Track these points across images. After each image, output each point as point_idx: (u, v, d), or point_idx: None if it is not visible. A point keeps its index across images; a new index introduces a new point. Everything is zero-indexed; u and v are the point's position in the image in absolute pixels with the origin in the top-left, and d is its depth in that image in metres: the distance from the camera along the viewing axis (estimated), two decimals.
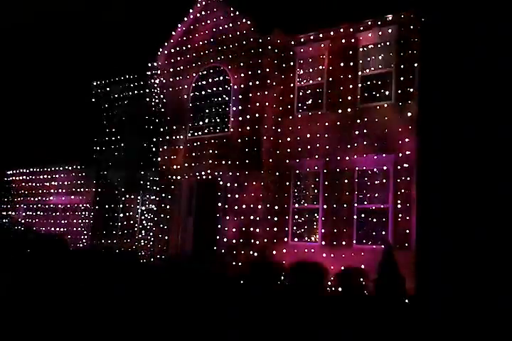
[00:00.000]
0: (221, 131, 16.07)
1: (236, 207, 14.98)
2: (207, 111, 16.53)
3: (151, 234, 17.37)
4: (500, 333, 8.11)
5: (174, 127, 17.04)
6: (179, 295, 11.29)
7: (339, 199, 13.90)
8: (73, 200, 21.47)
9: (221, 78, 16.30)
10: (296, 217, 14.74)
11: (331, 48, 14.75)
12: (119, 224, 18.91)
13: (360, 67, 14.23)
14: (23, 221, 23.58)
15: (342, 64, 14.44)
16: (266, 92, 15.20)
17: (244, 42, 15.71)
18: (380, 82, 13.88)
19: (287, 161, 14.98)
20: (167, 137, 17.16)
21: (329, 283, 12.67)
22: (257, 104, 15.18)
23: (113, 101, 20.15)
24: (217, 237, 15.26)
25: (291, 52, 15.43)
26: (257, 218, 14.58)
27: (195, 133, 16.69)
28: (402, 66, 13.48)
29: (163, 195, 16.89)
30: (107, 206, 19.49)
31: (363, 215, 13.61)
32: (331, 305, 10.59)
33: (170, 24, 17.71)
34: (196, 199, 16.52)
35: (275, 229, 14.77)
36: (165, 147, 17.17)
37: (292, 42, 15.35)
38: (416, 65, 13.06)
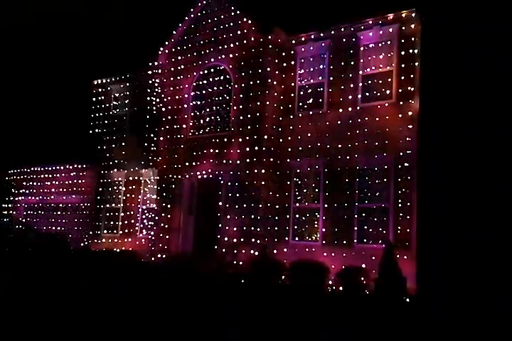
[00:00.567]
0: (222, 130, 16.07)
1: (237, 206, 14.98)
2: (207, 110, 16.53)
3: (152, 233, 17.36)
4: (499, 333, 8.11)
5: (175, 126, 17.04)
6: (179, 295, 11.29)
7: (340, 198, 13.90)
8: (74, 199, 21.46)
9: (222, 77, 16.30)
10: (297, 216, 14.74)
11: (331, 47, 14.75)
12: (120, 223, 18.91)
13: (361, 66, 14.23)
14: (23, 220, 23.58)
15: (343, 63, 14.44)
16: (266, 91, 15.19)
17: (245, 42, 15.71)
18: (380, 81, 13.87)
19: (288, 160, 14.98)
20: (168, 136, 17.16)
21: (330, 283, 12.66)
22: (258, 103, 15.18)
23: (113, 100, 20.15)
24: (218, 236, 15.26)
25: (292, 52, 15.42)
26: (258, 217, 14.58)
27: (196, 133, 16.69)
28: (402, 65, 13.47)
29: (164, 194, 16.89)
30: (107, 205, 19.49)
31: (363, 214, 13.60)
32: (331, 305, 10.59)
33: (171, 23, 17.72)
34: (197, 199, 16.52)
35: (276, 228, 14.78)
36: (166, 146, 17.17)
37: (293, 42, 15.35)
38: (417, 64, 13.06)
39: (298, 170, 14.93)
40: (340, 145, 14.08)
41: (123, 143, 19.37)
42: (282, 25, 15.34)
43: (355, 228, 13.58)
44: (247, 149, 15.15)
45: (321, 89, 14.89)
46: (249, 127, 15.24)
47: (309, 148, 14.62)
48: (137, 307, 9.76)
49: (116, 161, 19.42)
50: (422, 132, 11.00)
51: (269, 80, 15.27)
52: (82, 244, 19.99)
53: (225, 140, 15.74)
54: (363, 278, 12.15)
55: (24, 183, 24.20)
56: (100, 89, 20.60)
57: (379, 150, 13.46)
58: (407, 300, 10.68)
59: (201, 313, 9.28)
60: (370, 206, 13.54)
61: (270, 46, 15.36)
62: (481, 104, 10.19)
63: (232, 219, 15.02)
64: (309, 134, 14.65)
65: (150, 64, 18.26)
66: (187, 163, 16.52)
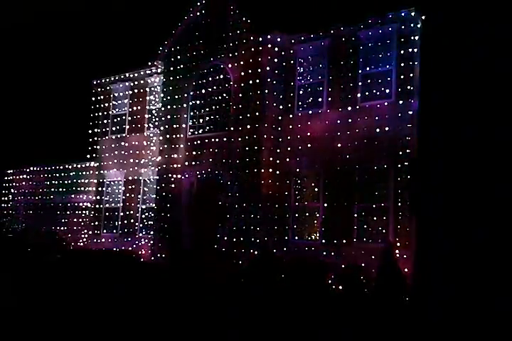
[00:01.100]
0: (221, 129, 16.05)
1: (236, 206, 14.97)
2: (207, 109, 16.53)
3: (152, 232, 17.36)
4: (500, 333, 8.09)
5: (174, 126, 17.03)
6: (179, 295, 11.28)
7: (339, 197, 13.88)
8: (73, 199, 21.46)
9: (221, 77, 16.29)
10: (297, 215, 14.72)
11: (331, 46, 14.74)
12: (119, 222, 18.90)
13: (361, 66, 14.21)
14: (23, 220, 23.57)
15: (342, 62, 14.43)
16: (266, 91, 15.18)
17: (244, 41, 15.70)
18: (380, 81, 13.87)
19: (287, 160, 14.97)
20: (167, 136, 17.16)
21: (330, 282, 12.66)
22: (258, 103, 15.17)
23: (113, 99, 20.14)
24: (218, 236, 15.26)
25: (292, 51, 15.41)
26: (258, 216, 14.57)
27: (196, 132, 16.68)
28: (402, 64, 13.46)
29: (163, 193, 16.88)
30: (107, 205, 19.49)
31: (363, 214, 13.60)
32: (331, 304, 10.59)
33: (170, 23, 17.72)
34: (196, 198, 16.51)
35: (276, 227, 14.76)
36: (165, 146, 17.16)
37: (292, 41, 15.34)
38: (416, 63, 13.06)
39: (297, 170, 14.92)
40: (339, 145, 14.06)
41: (122, 143, 19.36)
42: (282, 25, 15.32)
43: (355, 227, 13.57)
44: (247, 149, 15.14)
45: (321, 88, 14.88)
46: (248, 126, 15.23)
47: (309, 148, 14.61)
48: (137, 307, 9.75)
49: (115, 161, 19.42)
50: (421, 133, 10.98)
51: (269, 80, 15.26)
52: (81, 244, 19.99)
53: (225, 139, 15.73)
54: (362, 278, 12.15)
55: (24, 183, 24.20)
56: (100, 89, 20.60)
57: (378, 149, 13.45)
58: (407, 299, 10.68)
59: (201, 313, 9.27)
60: (369, 205, 13.53)
61: (269, 45, 15.35)
62: (481, 104, 10.17)
63: (232, 218, 15.01)
64: (309, 133, 14.64)
65: (149, 63, 18.25)
66: (186, 163, 16.52)
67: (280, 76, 15.48)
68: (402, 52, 13.50)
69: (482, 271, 9.48)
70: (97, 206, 19.73)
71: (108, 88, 20.30)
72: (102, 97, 20.53)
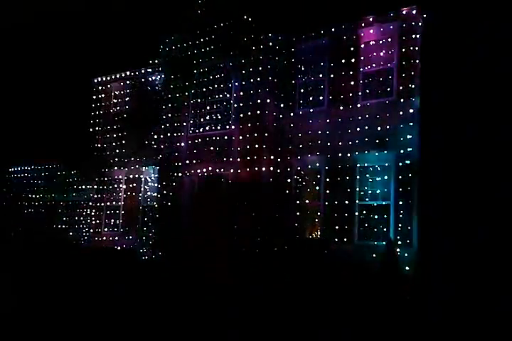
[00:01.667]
0: (222, 128, 16.04)
1: (237, 204, 14.96)
2: (208, 108, 16.52)
3: (153, 231, 17.36)
4: (500, 332, 8.09)
5: (175, 124, 17.03)
6: (179, 295, 11.27)
7: (341, 195, 13.88)
8: (74, 197, 21.46)
9: (222, 75, 16.27)
10: (298, 213, 14.71)
11: (332, 44, 14.72)
12: (120, 221, 18.90)
13: (362, 64, 14.20)
14: (24, 218, 23.57)
15: (343, 60, 14.42)
16: (267, 89, 15.16)
17: (245, 39, 15.67)
18: (381, 79, 13.85)
19: (288, 158, 14.96)
20: (168, 134, 17.15)
21: (331, 280, 12.64)
22: (258, 101, 15.16)
23: (114, 98, 20.13)
24: (219, 234, 15.24)
25: (292, 49, 15.39)
26: (259, 215, 14.56)
27: (197, 130, 16.67)
28: (403, 62, 13.44)
29: (164, 192, 16.88)
30: (108, 203, 19.49)
31: (364, 212, 13.59)
32: (331, 303, 10.58)
33: (171, 21, 17.71)
34: (197, 197, 16.51)
35: (276, 226, 14.74)
36: (166, 144, 17.15)
37: (293, 39, 15.31)
38: (417, 61, 13.04)
39: (299, 168, 14.92)
40: (340, 143, 14.06)
41: (123, 141, 19.36)
42: (283, 22, 15.31)
43: (356, 225, 13.56)
44: (248, 147, 15.13)
45: (322, 86, 14.87)
46: (249, 125, 15.22)
47: (310, 146, 14.60)
48: (137, 306, 9.75)
49: (116, 159, 19.41)
50: (423, 133, 10.99)
51: (269, 78, 15.24)
52: (82, 242, 19.99)
53: (226, 138, 15.73)
54: (363, 276, 12.14)
55: (25, 181, 24.20)
56: (101, 87, 20.58)
57: (380, 147, 13.44)
58: (408, 297, 10.68)
59: (201, 313, 9.27)
60: (370, 203, 13.53)
61: (270, 43, 15.33)
62: (481, 104, 10.16)
63: (232, 217, 15.00)
64: (310, 132, 14.64)
65: (150, 62, 18.24)
66: (187, 161, 16.51)
67: (281, 74, 15.47)
68: (403, 50, 13.49)
69: (482, 270, 9.48)
70: (98, 204, 19.73)
71: (109, 86, 20.28)
72: (102, 95, 20.51)
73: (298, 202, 14.75)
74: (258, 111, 15.13)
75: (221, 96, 16.23)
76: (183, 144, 16.74)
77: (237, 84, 15.79)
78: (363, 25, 14.17)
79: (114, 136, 19.80)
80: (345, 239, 13.55)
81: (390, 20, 13.75)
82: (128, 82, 19.60)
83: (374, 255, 12.44)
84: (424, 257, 10.62)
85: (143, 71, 19.04)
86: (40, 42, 31.70)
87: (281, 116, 15.32)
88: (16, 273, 13.96)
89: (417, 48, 13.17)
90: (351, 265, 12.46)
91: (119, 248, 17.41)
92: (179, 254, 15.51)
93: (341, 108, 14.23)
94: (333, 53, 14.69)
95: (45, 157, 23.65)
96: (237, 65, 15.83)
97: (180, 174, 16.61)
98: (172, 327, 8.19)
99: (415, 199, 12.57)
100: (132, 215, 18.56)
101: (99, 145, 20.24)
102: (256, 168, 14.86)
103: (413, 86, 13.14)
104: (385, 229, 13.12)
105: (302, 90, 15.23)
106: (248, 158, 15.05)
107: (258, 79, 15.26)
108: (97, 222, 19.61)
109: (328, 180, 14.23)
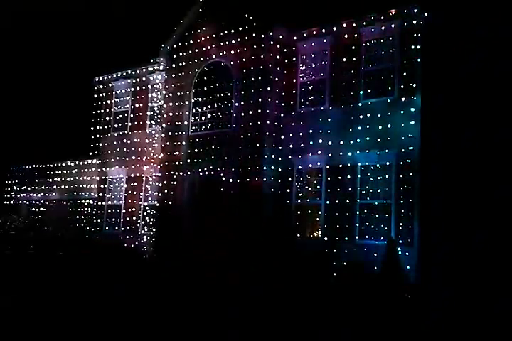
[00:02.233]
0: (223, 127, 16.03)
1: (238, 204, 14.95)
2: (209, 106, 16.51)
3: (154, 229, 17.37)
4: (500, 333, 8.08)
5: (176, 123, 17.02)
6: (180, 294, 11.27)
7: (342, 195, 13.86)
8: (76, 196, 21.48)
9: (223, 74, 16.26)
10: (299, 212, 14.71)
11: (333, 43, 14.70)
12: (122, 220, 18.92)
13: (363, 63, 14.17)
14: (25, 217, 23.60)
15: (344, 59, 14.39)
16: (268, 88, 15.15)
17: (246, 38, 15.66)
18: (382, 78, 13.83)
19: (289, 157, 14.95)
20: (169, 133, 17.14)
21: (331, 279, 12.64)
22: (260, 100, 15.14)
23: (115, 96, 20.14)
24: (220, 233, 15.22)
25: (294, 48, 15.37)
26: (260, 214, 14.55)
27: (198, 129, 16.66)
28: (404, 61, 13.42)
29: (165, 191, 16.88)
30: (109, 202, 19.50)
31: (365, 211, 13.58)
32: (332, 302, 10.57)
33: (172, 20, 17.69)
34: (199, 195, 16.50)
35: (277, 225, 14.73)
36: (167, 143, 17.15)
37: (294, 38, 15.30)
38: (419, 60, 13.01)
39: (300, 167, 14.91)
40: (342, 142, 14.04)
41: (124, 140, 19.37)
42: (284, 21, 15.29)
43: (357, 224, 13.55)
44: (249, 146, 15.12)
45: (323, 85, 14.85)
46: (250, 124, 15.21)
47: (311, 145, 14.59)
48: (137, 306, 9.74)
49: (117, 158, 19.43)
50: (423, 134, 10.95)
51: (271, 76, 15.23)
52: (83, 241, 20.00)
53: (227, 136, 15.71)
54: (364, 275, 12.13)
55: (26, 180, 24.24)
56: (102, 86, 20.60)
57: (381, 146, 13.42)
58: (409, 296, 10.66)
59: (201, 313, 9.25)
60: (371, 202, 13.51)
61: (272, 42, 15.32)
62: (481, 107, 10.12)
63: (233, 216, 14.99)
64: (311, 131, 14.62)
65: (151, 60, 18.24)
66: (188, 160, 16.51)
67: (282, 73, 15.46)
68: (404, 49, 13.46)
69: (483, 269, 9.46)
70: (100, 203, 19.75)
71: (110, 85, 20.29)
72: (104, 94, 20.53)
73: (299, 201, 14.75)
74: (259, 110, 15.11)
75: (222, 95, 16.20)
76: (184, 143, 16.74)
77: (238, 83, 15.78)
78: (364, 23, 14.13)
79: (116, 134, 19.82)
80: (346, 238, 13.54)
81: (391, 19, 13.71)
82: (129, 81, 19.61)
83: (375, 254, 12.42)
84: (424, 256, 10.60)
85: (144, 69, 19.04)
86: (41, 42, 31.73)
87: (282, 115, 15.30)
88: (15, 272, 13.96)
89: (418, 47, 13.14)
90: (352, 264, 12.46)
91: (119, 247, 17.40)
92: (180, 253, 15.51)
93: (342, 107, 14.22)
94: (335, 52, 14.66)
95: (46, 155, 23.68)
96: (238, 64, 15.81)
97: (181, 173, 16.61)
98: (172, 327, 8.18)
99: (416, 198, 12.55)
100: (133, 214, 18.58)
101: (100, 144, 20.25)
102: (257, 167, 14.84)
103: (414, 85, 13.11)
104: (386, 228, 13.10)
105: (303, 89, 15.21)
106: (249, 157, 15.03)
107: (259, 77, 15.24)
108: (99, 220, 19.63)
109: (329, 179, 14.21)
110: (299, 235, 14.55)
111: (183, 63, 17.22)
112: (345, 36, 14.43)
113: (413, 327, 8.40)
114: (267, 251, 13.81)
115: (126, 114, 19.71)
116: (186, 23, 17.25)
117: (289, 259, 13.27)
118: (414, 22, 13.26)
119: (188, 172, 16.49)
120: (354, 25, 14.26)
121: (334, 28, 14.60)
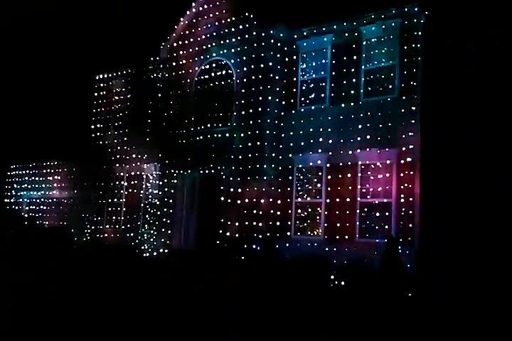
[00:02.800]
0: (224, 125, 16.02)
1: (239, 202, 14.96)
2: (209, 105, 16.49)
3: (154, 228, 17.37)
4: (500, 333, 8.08)
5: (176, 121, 17.01)
6: (179, 294, 11.26)
7: (342, 193, 13.85)
8: (76, 194, 21.48)
9: (223, 72, 16.25)
10: (299, 211, 14.71)
11: (334, 42, 14.68)
12: (122, 218, 18.92)
13: (364, 61, 14.16)
14: (26, 215, 23.62)
15: (345, 58, 14.37)
16: (268, 86, 15.14)
17: (246, 36, 15.64)
18: (383, 76, 13.81)
19: (290, 155, 14.94)
20: (169, 131, 17.13)
21: (332, 278, 12.64)
22: (260, 98, 15.13)
23: (115, 95, 20.12)
24: (220, 231, 15.25)
25: (294, 46, 15.35)
26: (260, 212, 14.56)
27: (198, 127, 16.65)
28: (405, 60, 13.40)
29: (166, 189, 16.88)
30: (109, 200, 19.50)
31: (365, 209, 13.57)
32: (332, 301, 10.57)
33: (173, 18, 17.66)
34: (199, 194, 16.51)
35: (278, 223, 14.75)
36: (167, 141, 17.14)
37: (295, 36, 15.28)
38: (419, 58, 13.00)
39: (300, 165, 14.90)
40: (342, 140, 14.02)
41: (125, 138, 19.36)
42: (284, 20, 15.26)
43: (357, 223, 13.55)
44: (249, 144, 15.11)
45: (323, 83, 14.84)
46: (251, 122, 15.20)
47: (311, 143, 14.57)
48: (137, 306, 9.73)
49: (118, 156, 19.41)
50: (424, 133, 10.96)
51: (271, 75, 15.22)
52: (84, 239, 20.02)
53: (227, 135, 15.70)
54: (364, 274, 12.12)
55: (26, 178, 24.24)
56: (102, 84, 20.58)
57: (381, 145, 13.40)
58: (409, 295, 10.66)
59: (201, 313, 9.25)
60: (372, 201, 13.50)
61: (272, 41, 15.30)
62: (481, 106, 10.12)
63: (234, 214, 15.00)
64: (311, 129, 14.61)
65: (152, 59, 18.22)
66: (189, 158, 16.50)
67: (283, 71, 15.44)
68: (405, 47, 13.44)
69: (484, 268, 9.47)
70: (100, 201, 19.74)
71: (110, 83, 20.27)
72: (104, 93, 20.51)
73: (299, 199, 14.75)
74: (260, 109, 15.10)
75: (222, 93, 16.18)
76: (184, 141, 16.73)
77: (238, 81, 15.76)
78: (364, 22, 14.11)
79: (116, 133, 19.81)
80: (346, 237, 13.54)
81: (391, 18, 13.69)
82: (129, 79, 19.58)
83: (375, 253, 12.42)
84: (424, 256, 10.61)
85: (144, 68, 19.01)
86: (41, 40, 31.68)
87: (282, 113, 15.29)
88: (15, 269, 13.97)
89: (419, 45, 13.12)
90: (352, 263, 12.45)
91: (120, 245, 17.41)
92: (179, 252, 15.51)
93: (343, 105, 14.20)
94: (335, 50, 14.65)
95: (46, 154, 23.67)
96: (238, 62, 15.79)
97: (181, 171, 16.61)
98: (172, 327, 8.18)
99: (417, 196, 12.54)
100: (134, 212, 18.58)
101: (100, 143, 20.24)
102: (257, 166, 14.84)
103: (415, 83, 13.09)
104: (386, 227, 13.10)
105: (304, 87, 15.20)
106: (250, 155, 15.02)
107: (260, 76, 15.22)
108: (99, 218, 19.63)
109: (329, 177, 14.20)
110: (299, 233, 14.55)
111: (184, 61, 17.20)
112: (346, 35, 14.42)
113: (413, 327, 8.40)
114: (266, 250, 13.79)
115: (126, 112, 19.69)
116: (187, 20, 17.23)
117: (289, 259, 13.28)
118: (415, 20, 13.25)
119: (189, 170, 16.49)
120: (355, 23, 14.24)
121: (335, 27, 14.59)
